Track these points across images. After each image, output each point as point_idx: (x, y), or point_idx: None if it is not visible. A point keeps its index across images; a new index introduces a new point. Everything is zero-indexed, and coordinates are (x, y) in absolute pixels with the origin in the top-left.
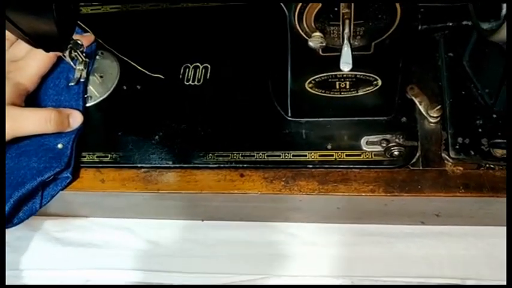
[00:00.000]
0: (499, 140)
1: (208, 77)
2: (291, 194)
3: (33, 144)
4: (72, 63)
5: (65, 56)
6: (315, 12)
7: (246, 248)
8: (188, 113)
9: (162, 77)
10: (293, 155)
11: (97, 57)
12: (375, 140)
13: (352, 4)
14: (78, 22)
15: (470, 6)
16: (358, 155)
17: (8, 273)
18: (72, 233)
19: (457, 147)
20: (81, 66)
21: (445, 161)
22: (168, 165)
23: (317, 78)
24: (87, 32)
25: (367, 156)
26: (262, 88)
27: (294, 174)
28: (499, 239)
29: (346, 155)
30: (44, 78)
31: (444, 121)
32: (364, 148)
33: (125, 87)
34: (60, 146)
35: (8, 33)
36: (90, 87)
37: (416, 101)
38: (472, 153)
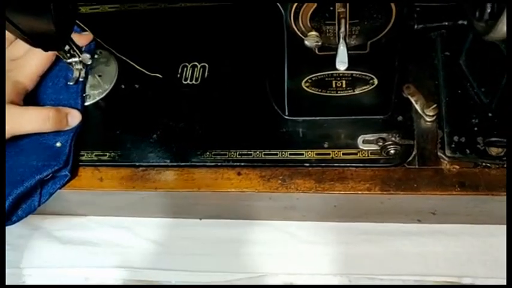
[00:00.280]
0: (495, 139)
1: (206, 76)
2: (288, 193)
3: (32, 142)
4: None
5: (63, 56)
6: (310, 12)
7: (243, 246)
8: (186, 111)
9: (160, 76)
10: (290, 154)
11: (95, 56)
12: (371, 138)
13: (348, 3)
14: (77, 21)
15: (466, 5)
16: (355, 154)
17: (7, 272)
18: (71, 232)
19: (453, 145)
20: (79, 66)
21: (441, 160)
22: (166, 164)
23: (313, 77)
24: (86, 31)
25: (363, 154)
26: (260, 87)
27: (291, 173)
28: (495, 237)
29: (343, 154)
30: (43, 77)
31: (440, 120)
32: (361, 147)
33: (123, 86)
34: (58, 144)
35: (7, 32)
36: (89, 86)
37: (412, 99)
38: (468, 151)
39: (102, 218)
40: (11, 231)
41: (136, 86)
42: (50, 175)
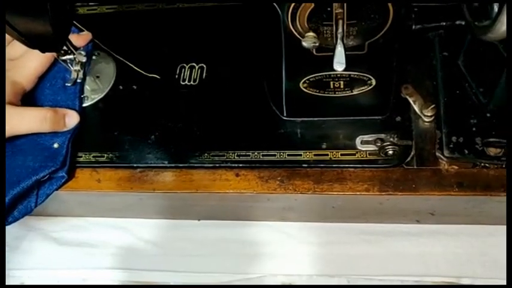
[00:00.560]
0: (493, 139)
1: (204, 77)
2: (286, 194)
3: (29, 143)
4: (68, 65)
5: (60, 57)
6: (308, 13)
7: (242, 247)
8: (184, 112)
9: (158, 77)
10: (288, 155)
11: (93, 57)
12: (370, 139)
13: (345, 4)
14: (75, 22)
15: (464, 5)
16: (353, 154)
17: (6, 273)
18: (69, 233)
19: (451, 146)
20: (77, 67)
21: (439, 160)
22: (164, 165)
23: (311, 78)
24: (84, 32)
25: (361, 155)
26: (258, 88)
27: (289, 174)
28: (493, 237)
29: (341, 155)
30: (41, 78)
31: (438, 120)
32: (359, 147)
33: (121, 87)
34: (56, 145)
35: None
36: (87, 88)
37: (410, 100)
38: (466, 152)
39: (99, 219)
40: (8, 232)
41: (134, 87)
42: (47, 176)
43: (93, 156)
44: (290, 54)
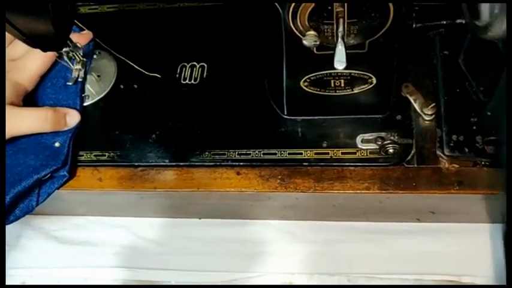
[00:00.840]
0: (493, 138)
1: (205, 76)
2: (287, 192)
3: (31, 142)
4: (69, 63)
5: (62, 56)
6: (308, 11)
7: (242, 246)
8: (185, 111)
9: (159, 76)
10: (289, 153)
11: (94, 56)
12: (370, 137)
13: (346, 3)
14: (76, 22)
15: (464, 4)
16: (354, 153)
17: (6, 272)
18: (70, 232)
19: (452, 144)
20: (78, 66)
21: (440, 159)
22: (165, 164)
23: (312, 76)
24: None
25: (362, 154)
26: (258, 87)
27: (290, 172)
28: (494, 236)
29: (342, 153)
30: (42, 77)
31: (439, 119)
32: (360, 146)
33: (122, 87)
34: (57, 144)
35: (6, 33)
36: (88, 87)
37: (411, 99)
38: (467, 150)
39: (101, 218)
40: (9, 231)
41: (135, 86)
42: (48, 175)
43: (95, 155)
44: (291, 52)
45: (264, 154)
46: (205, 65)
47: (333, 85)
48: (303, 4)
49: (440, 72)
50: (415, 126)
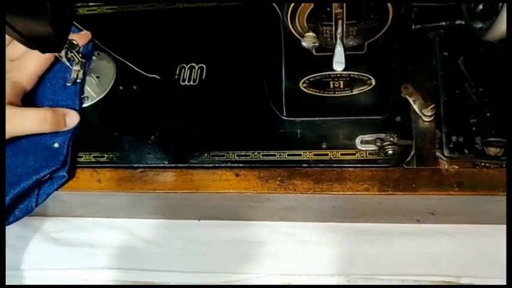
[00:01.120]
0: (493, 139)
1: (203, 77)
2: (286, 193)
3: (30, 142)
4: (68, 64)
5: (61, 57)
6: (307, 13)
7: (242, 247)
8: (184, 113)
9: (158, 77)
10: (288, 155)
11: (93, 57)
12: (370, 139)
13: (344, 4)
14: (75, 23)
15: (463, 5)
16: (353, 154)
17: (6, 273)
18: (70, 233)
19: (451, 145)
20: (77, 67)
21: (439, 160)
22: (164, 165)
23: (311, 78)
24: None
25: (361, 155)
26: (257, 88)
27: (289, 174)
28: (494, 237)
29: (341, 154)
30: (41, 78)
31: (438, 120)
32: (359, 147)
33: (121, 88)
34: (56, 145)
35: None
36: (87, 88)
37: (410, 100)
38: (466, 151)
39: (100, 219)
40: (9, 232)
41: (134, 87)
42: (48, 176)
43: (94, 157)
44: (290, 54)
45: (263, 155)
46: (204, 66)
47: (332, 86)
48: (302, 5)
49: (439, 73)
50: (415, 128)
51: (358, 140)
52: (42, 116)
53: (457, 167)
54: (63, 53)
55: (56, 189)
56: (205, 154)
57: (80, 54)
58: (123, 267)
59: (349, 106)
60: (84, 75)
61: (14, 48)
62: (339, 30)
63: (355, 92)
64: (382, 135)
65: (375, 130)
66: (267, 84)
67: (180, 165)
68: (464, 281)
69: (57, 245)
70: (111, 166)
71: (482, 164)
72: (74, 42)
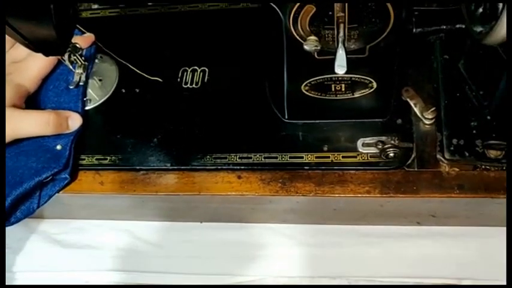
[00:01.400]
0: (494, 141)
1: (206, 80)
2: (288, 196)
3: (33, 144)
4: (71, 67)
5: (64, 60)
6: (309, 16)
7: (243, 249)
8: (186, 115)
9: (160, 80)
10: (290, 157)
11: (96, 60)
12: (371, 141)
13: (347, 8)
14: (78, 26)
15: (463, 9)
16: (354, 157)
17: (8, 275)
18: (72, 235)
19: (452, 148)
20: (80, 70)
21: (440, 162)
22: (166, 167)
23: (313, 81)
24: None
25: (363, 157)
26: (259, 91)
27: (291, 176)
28: (494, 239)
29: (343, 157)
30: (44, 80)
31: (439, 123)
32: (360, 150)
33: (123, 91)
34: (59, 147)
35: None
36: (90, 91)
37: (411, 103)
38: (467, 154)
39: (102, 221)
40: (11, 234)
41: (137, 90)
42: (50, 177)
43: (96, 159)
44: (292, 57)
45: (265, 158)
46: (207, 69)
47: (333, 89)
48: (304, 9)
49: (440, 77)
50: (416, 130)
51: (359, 143)
52: (46, 118)
53: (457, 169)
54: (66, 56)
55: (58, 191)
56: (208, 156)
57: (83, 57)
58: (125, 270)
59: (350, 109)
60: (87, 78)
61: (18, 51)
62: (341, 33)
63: (357, 95)
64: (384, 138)
65: (376, 133)
66: (268, 87)
67: (183, 167)
68: (465, 283)
69: (59, 247)
70: (114, 168)
71: (483, 166)
72: (77, 45)
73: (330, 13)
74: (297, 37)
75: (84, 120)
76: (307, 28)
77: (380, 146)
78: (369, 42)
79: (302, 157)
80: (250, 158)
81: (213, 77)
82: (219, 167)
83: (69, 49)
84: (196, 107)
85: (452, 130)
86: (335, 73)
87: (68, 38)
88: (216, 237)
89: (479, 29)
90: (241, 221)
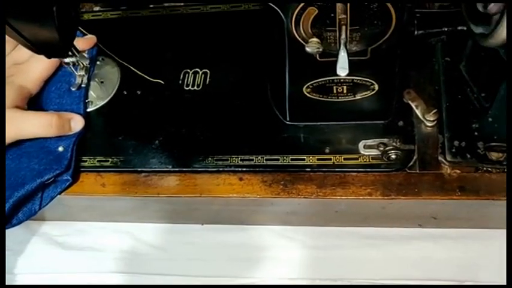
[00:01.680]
0: (495, 144)
1: (207, 82)
2: (290, 198)
3: (35, 146)
4: (73, 69)
5: (66, 62)
6: (311, 18)
7: (245, 252)
8: (188, 117)
9: (162, 82)
10: (291, 159)
11: (98, 62)
12: (373, 143)
13: (348, 10)
14: (80, 28)
15: (464, 11)
16: (356, 159)
17: (9, 277)
18: (73, 237)
19: (454, 150)
20: (82, 72)
21: (442, 164)
22: (168, 169)
23: (314, 83)
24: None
25: (364, 159)
26: (261, 93)
27: (293, 178)
28: (496, 241)
29: (344, 159)
30: (46, 82)
31: (441, 125)
32: (362, 152)
33: (125, 93)
34: (61, 148)
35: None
36: (91, 92)
37: (413, 105)
38: (468, 156)
39: (103, 223)
40: (12, 236)
41: (139, 92)
42: (52, 179)
43: (98, 161)
44: (293, 59)
45: (266, 160)
46: (208, 72)
47: (335, 91)
48: (306, 11)
49: (442, 79)
50: (417, 132)
51: (361, 145)
52: (48, 120)
53: (459, 171)
54: (68, 58)
55: (60, 193)
56: (209, 158)
57: (87, 62)
58: (126, 272)
59: (352, 111)
60: (89, 80)
61: (20, 53)
62: (343, 35)
63: (358, 97)
64: (385, 140)
65: (378, 135)
66: (270, 89)
67: (184, 169)
68: (467, 285)
69: (61, 249)
70: (116, 170)
71: (485, 168)
72: (79, 47)
73: (332, 15)
74: (299, 39)
75: (86, 122)
76: (309, 30)
77: (382, 148)
78: (370, 44)
79: (304, 159)
80: (252, 160)
81: (215, 79)
82: (221, 169)
83: (71, 51)
84: (198, 109)
85: (454, 132)
86: (337, 75)
87: (70, 40)
88: (217, 239)
89: (480, 30)
90: (242, 223)
